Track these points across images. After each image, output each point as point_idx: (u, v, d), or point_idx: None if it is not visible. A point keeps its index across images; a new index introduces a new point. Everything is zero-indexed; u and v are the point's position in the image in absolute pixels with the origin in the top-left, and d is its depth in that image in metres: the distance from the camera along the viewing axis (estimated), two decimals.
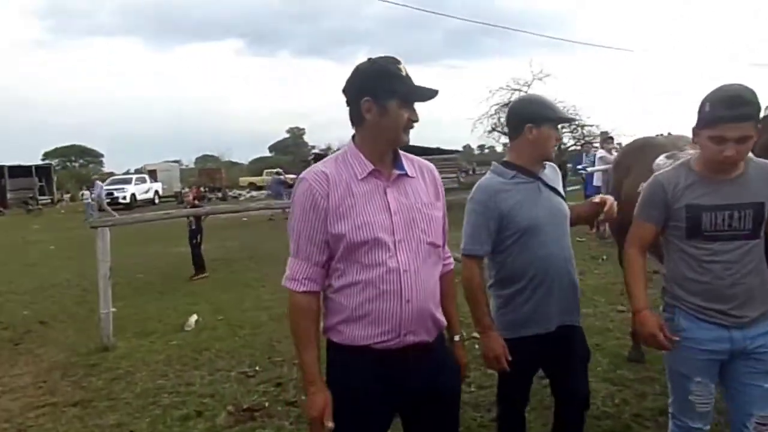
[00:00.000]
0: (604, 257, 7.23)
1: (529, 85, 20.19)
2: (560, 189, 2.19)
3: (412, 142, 1.66)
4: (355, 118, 1.64)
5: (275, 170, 26.23)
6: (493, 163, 2.19)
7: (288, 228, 1.66)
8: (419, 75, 1.64)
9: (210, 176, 39.35)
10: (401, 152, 1.69)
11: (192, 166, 57.31)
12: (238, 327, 5.29)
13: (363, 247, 1.57)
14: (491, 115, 20.93)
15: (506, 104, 20.10)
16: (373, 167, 1.62)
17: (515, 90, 20.00)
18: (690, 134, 1.95)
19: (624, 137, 13.96)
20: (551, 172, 2.20)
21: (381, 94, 1.57)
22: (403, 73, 1.59)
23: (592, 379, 3.41)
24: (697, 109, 1.82)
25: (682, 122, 14.03)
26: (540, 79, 20.23)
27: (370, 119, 1.59)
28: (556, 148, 2.42)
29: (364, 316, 1.60)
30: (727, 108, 1.72)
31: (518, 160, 2.11)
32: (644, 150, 3.38)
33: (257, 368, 4.15)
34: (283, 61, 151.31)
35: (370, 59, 1.64)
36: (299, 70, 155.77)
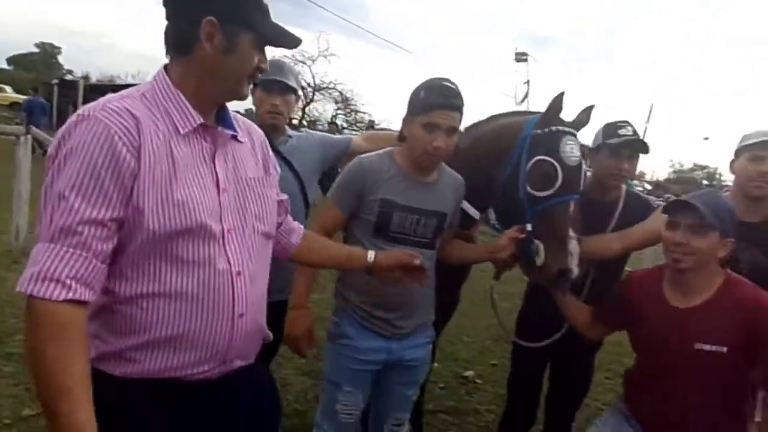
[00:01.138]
0: None
1: (314, 60, 20.54)
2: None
3: None
4: (182, 43, 1.15)
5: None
6: None
7: (44, 192, 1.04)
8: None
9: None
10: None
11: None
12: None
13: (180, 236, 1.11)
14: None
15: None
16: (201, 120, 1.17)
17: (300, 62, 20.08)
18: None
19: (393, 126, 14.93)
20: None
21: (233, 21, 1.14)
22: (264, 3, 1.18)
23: (292, 371, 3.24)
24: (409, 99, 1.80)
25: None
26: (325, 57, 20.77)
27: (209, 51, 1.14)
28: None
29: (175, 338, 1.14)
30: (441, 95, 1.73)
31: None
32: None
33: None
34: None
35: None
36: None
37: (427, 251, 1.83)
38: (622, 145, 2.10)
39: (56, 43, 56.72)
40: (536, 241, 1.76)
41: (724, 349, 1.62)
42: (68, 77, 34.20)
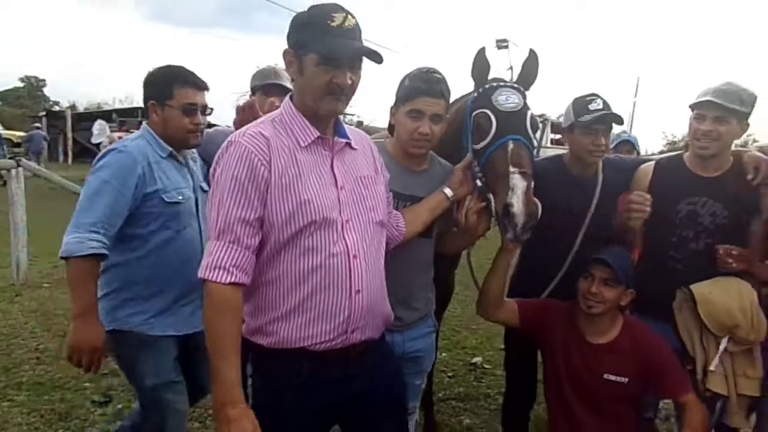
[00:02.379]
0: None
1: None
2: None
3: None
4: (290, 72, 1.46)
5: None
6: None
7: (209, 204, 1.39)
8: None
9: None
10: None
11: None
12: None
13: (308, 228, 1.38)
14: None
15: None
16: (318, 134, 1.44)
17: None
18: None
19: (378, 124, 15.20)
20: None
21: (299, 46, 1.39)
22: (334, 24, 1.35)
23: None
24: (396, 90, 1.86)
25: None
26: None
27: (295, 76, 1.44)
28: None
29: (304, 312, 1.39)
30: (424, 82, 1.78)
31: None
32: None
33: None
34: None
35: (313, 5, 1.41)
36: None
37: (422, 239, 1.85)
38: (595, 121, 2.05)
39: (40, 76, 56.61)
40: (489, 193, 1.77)
41: (625, 380, 1.98)
42: (55, 108, 34.17)
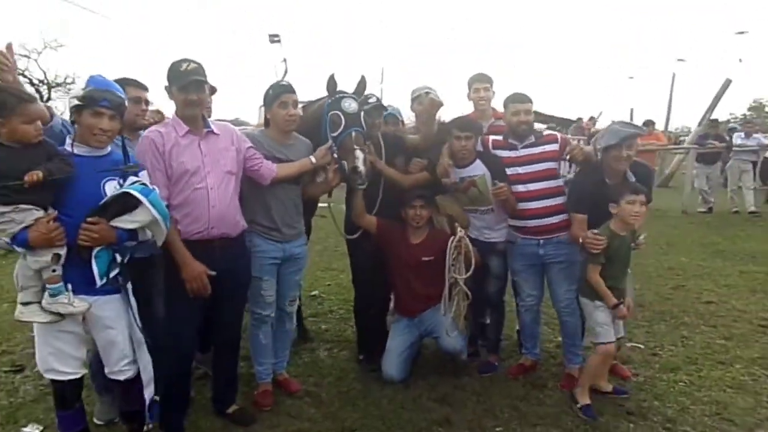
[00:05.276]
0: None
1: (39, 53, 18.57)
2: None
3: None
4: None
5: None
6: None
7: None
8: None
9: None
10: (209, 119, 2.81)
11: None
12: None
13: (185, 174, 2.60)
14: None
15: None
16: (187, 128, 2.66)
17: (22, 56, 18.03)
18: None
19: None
20: None
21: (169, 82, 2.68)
22: (182, 69, 2.62)
23: None
24: (264, 98, 3.06)
25: None
26: (54, 48, 18.94)
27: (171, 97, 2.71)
28: None
29: (188, 217, 2.63)
30: (282, 86, 3.07)
31: None
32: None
33: None
34: None
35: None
36: None
37: (293, 185, 3.08)
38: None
39: None
40: (342, 161, 3.04)
41: (434, 258, 3.37)
42: None
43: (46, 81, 19.78)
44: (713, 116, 13.31)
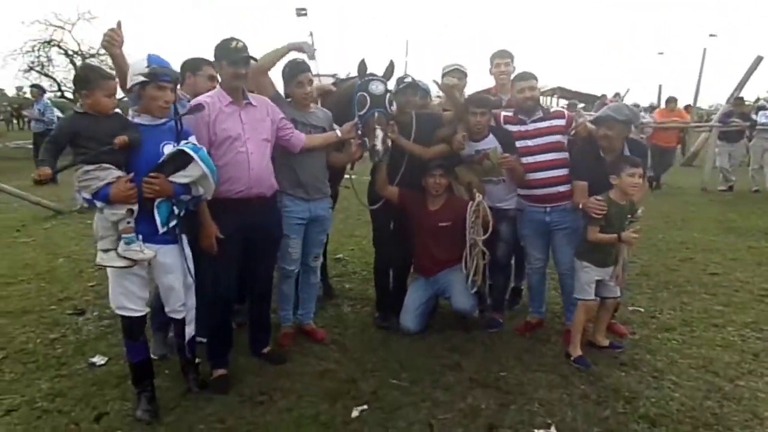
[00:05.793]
0: None
1: (73, 24, 19.05)
2: None
3: None
4: None
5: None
6: None
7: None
8: None
9: None
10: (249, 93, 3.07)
11: None
12: None
13: (227, 140, 2.93)
14: (27, 52, 18.71)
15: (48, 41, 18.56)
16: (230, 99, 2.99)
17: (57, 27, 18.49)
18: None
19: None
20: None
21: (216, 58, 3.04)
22: (232, 46, 2.94)
23: None
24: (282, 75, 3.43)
25: None
26: (87, 20, 19.40)
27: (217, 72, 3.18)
28: None
29: (229, 179, 2.94)
30: (297, 65, 3.38)
31: None
32: None
33: None
34: None
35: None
36: None
37: (319, 152, 3.46)
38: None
39: None
40: (365, 138, 3.33)
41: (450, 223, 3.67)
42: None
43: (80, 52, 20.26)
44: (741, 94, 13.11)
